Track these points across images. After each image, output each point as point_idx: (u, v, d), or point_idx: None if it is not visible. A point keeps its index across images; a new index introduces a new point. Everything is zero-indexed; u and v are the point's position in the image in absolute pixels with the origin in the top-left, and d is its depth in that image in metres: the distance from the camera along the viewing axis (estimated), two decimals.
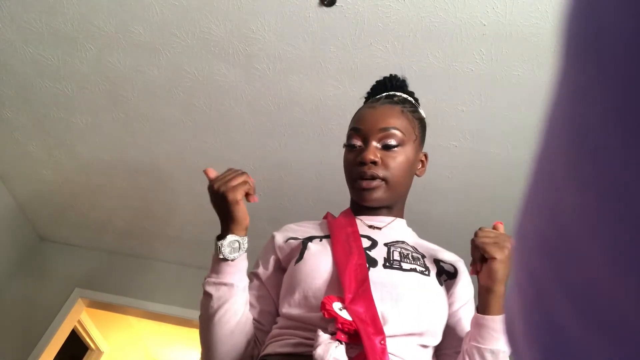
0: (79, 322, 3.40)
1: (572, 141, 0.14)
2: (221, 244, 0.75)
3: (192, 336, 3.93)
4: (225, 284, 0.74)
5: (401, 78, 0.96)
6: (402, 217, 0.92)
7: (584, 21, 0.14)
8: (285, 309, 0.74)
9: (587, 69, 0.13)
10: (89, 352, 3.94)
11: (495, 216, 2.39)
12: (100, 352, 4.00)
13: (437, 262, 0.82)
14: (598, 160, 0.13)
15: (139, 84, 2.02)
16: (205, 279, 0.77)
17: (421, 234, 0.94)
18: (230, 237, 0.75)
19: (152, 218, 2.85)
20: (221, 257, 0.75)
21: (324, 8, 1.63)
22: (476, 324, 0.72)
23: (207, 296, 0.75)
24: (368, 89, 1.00)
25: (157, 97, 2.07)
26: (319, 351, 0.60)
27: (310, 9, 1.64)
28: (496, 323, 0.70)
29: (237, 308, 0.75)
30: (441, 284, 0.77)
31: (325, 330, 0.65)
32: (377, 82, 0.96)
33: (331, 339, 0.62)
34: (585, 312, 0.14)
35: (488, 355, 0.69)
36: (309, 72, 1.85)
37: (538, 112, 1.79)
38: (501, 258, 0.70)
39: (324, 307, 0.64)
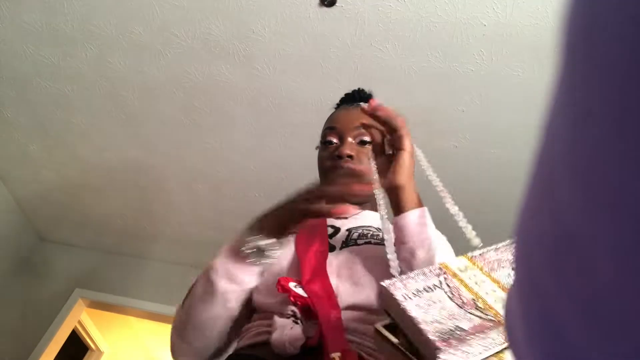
0: (79, 322, 3.40)
1: (571, 141, 0.14)
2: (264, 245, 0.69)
3: None
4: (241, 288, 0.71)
5: (368, 92, 1.01)
6: (375, 210, 0.91)
7: (584, 21, 0.14)
8: (253, 299, 0.74)
9: (587, 69, 0.13)
10: (89, 352, 3.94)
11: (495, 216, 2.39)
12: (100, 353, 3.99)
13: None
14: (597, 160, 0.13)
15: (139, 84, 2.02)
16: (216, 265, 0.71)
17: None
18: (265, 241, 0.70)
19: (152, 218, 2.85)
20: (251, 260, 0.70)
21: (324, 8, 1.63)
22: (398, 229, 0.68)
23: (212, 286, 0.70)
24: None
25: (157, 97, 2.07)
26: (275, 336, 0.60)
27: (310, 9, 1.64)
28: (416, 216, 0.68)
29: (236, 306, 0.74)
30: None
31: (281, 315, 0.64)
32: (346, 94, 1.01)
33: (289, 317, 0.62)
34: (586, 312, 0.14)
35: (421, 252, 0.65)
36: (309, 72, 1.85)
37: (538, 112, 1.79)
38: (411, 151, 0.69)
39: (279, 282, 0.63)
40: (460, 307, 0.42)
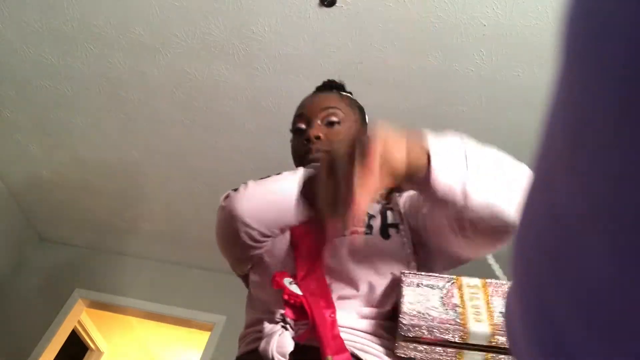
0: (79, 322, 3.39)
1: (571, 141, 0.14)
2: None
3: (192, 336, 3.92)
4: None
5: (339, 81, 1.01)
6: None
7: (584, 21, 0.14)
8: (251, 278, 0.75)
9: (587, 69, 0.13)
10: (89, 352, 3.93)
11: None
12: (100, 353, 3.99)
13: (383, 217, 0.77)
14: (598, 159, 0.13)
15: (139, 84, 2.02)
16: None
17: None
18: None
19: (152, 218, 2.85)
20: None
21: (324, 8, 1.63)
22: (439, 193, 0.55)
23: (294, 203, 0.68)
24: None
25: (157, 97, 2.07)
26: (262, 346, 0.59)
27: (310, 9, 1.64)
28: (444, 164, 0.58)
29: None
30: (387, 237, 0.73)
31: (271, 320, 0.63)
32: (317, 87, 1.02)
33: (277, 323, 0.61)
34: (585, 311, 0.14)
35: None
36: (309, 72, 1.85)
37: (538, 112, 1.80)
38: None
39: (273, 278, 0.63)
40: (442, 304, 0.54)
